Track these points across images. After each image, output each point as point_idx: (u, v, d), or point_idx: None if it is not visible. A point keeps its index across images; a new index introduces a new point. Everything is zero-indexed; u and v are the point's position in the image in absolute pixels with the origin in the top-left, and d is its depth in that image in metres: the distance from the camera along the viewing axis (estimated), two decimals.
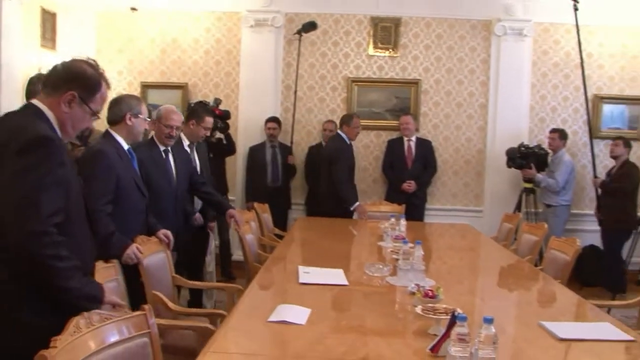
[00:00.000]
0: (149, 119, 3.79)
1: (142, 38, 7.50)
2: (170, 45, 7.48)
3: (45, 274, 2.12)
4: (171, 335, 3.32)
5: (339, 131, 6.53)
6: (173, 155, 4.35)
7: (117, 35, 7.52)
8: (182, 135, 5.06)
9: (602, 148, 7.17)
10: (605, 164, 6.98)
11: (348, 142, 6.40)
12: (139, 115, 3.58)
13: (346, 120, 6.49)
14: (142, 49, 7.50)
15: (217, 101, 6.69)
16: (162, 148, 4.28)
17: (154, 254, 3.54)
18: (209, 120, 5.07)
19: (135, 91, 7.29)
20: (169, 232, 3.75)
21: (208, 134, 5.22)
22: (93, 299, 2.25)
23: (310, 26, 7.12)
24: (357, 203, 6.24)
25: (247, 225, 4.77)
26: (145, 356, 2.19)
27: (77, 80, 2.32)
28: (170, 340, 3.24)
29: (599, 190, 6.68)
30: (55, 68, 2.36)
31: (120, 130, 3.55)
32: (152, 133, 4.38)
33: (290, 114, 7.41)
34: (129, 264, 3.30)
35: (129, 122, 3.54)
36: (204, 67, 7.50)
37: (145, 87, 7.46)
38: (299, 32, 7.15)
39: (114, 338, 2.04)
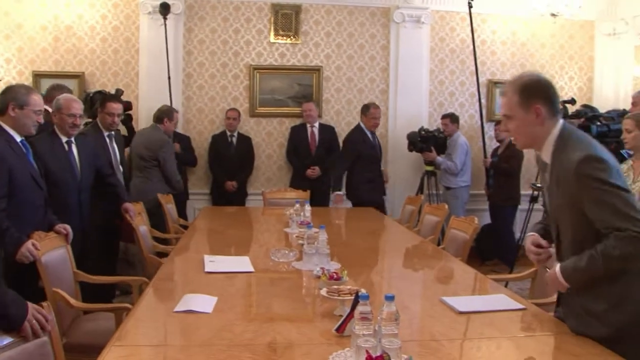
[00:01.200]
0: (41, 111, 3.61)
1: (33, 24, 7.09)
2: (64, 32, 7.14)
3: None
4: (75, 333, 3.22)
5: (359, 121, 6.75)
6: (77, 146, 4.20)
7: (3, 21, 7.06)
8: (100, 126, 4.96)
9: None
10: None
11: (367, 132, 6.62)
12: (25, 107, 3.41)
13: (363, 110, 6.75)
14: (33, 36, 7.09)
15: (119, 92, 6.47)
16: (64, 139, 4.12)
17: (53, 250, 3.40)
18: (111, 106, 4.98)
19: (27, 81, 6.89)
20: (67, 226, 3.61)
21: (115, 120, 5.05)
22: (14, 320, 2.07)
23: (163, 8, 6.78)
24: (339, 192, 6.34)
25: (140, 216, 4.66)
26: (46, 355, 2.12)
27: None
28: (73, 338, 3.15)
29: (490, 170, 6.99)
30: None
31: (7, 122, 3.40)
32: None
33: (193, 103, 7.33)
34: (24, 262, 3.16)
35: (12, 114, 3.39)
36: (101, 56, 7.22)
37: (38, 76, 7.07)
38: (164, 17, 6.84)
39: (7, 340, 1.96)
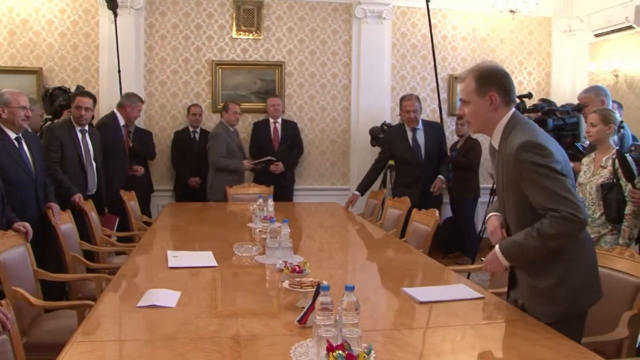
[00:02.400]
0: None
1: None
2: (20, 26, 6.98)
3: None
4: (35, 332, 3.18)
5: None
6: (26, 143, 4.14)
7: None
8: (73, 122, 4.92)
9: None
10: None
11: (407, 129, 6.17)
12: None
13: (400, 101, 6.47)
14: None
15: (80, 88, 6.38)
16: (13, 136, 4.05)
17: (12, 249, 3.34)
18: (79, 100, 5.01)
19: None
20: (26, 224, 3.55)
21: (82, 113, 5.03)
22: None
23: (110, 2, 6.61)
24: (356, 192, 6.00)
25: (66, 214, 4.45)
26: (5, 354, 2.10)
27: None
28: (34, 337, 3.10)
29: (450, 164, 7.05)
30: None
31: None
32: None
33: (155, 99, 7.27)
34: None
35: None
36: (60, 51, 7.09)
37: None
38: (115, 14, 6.66)
39: None
